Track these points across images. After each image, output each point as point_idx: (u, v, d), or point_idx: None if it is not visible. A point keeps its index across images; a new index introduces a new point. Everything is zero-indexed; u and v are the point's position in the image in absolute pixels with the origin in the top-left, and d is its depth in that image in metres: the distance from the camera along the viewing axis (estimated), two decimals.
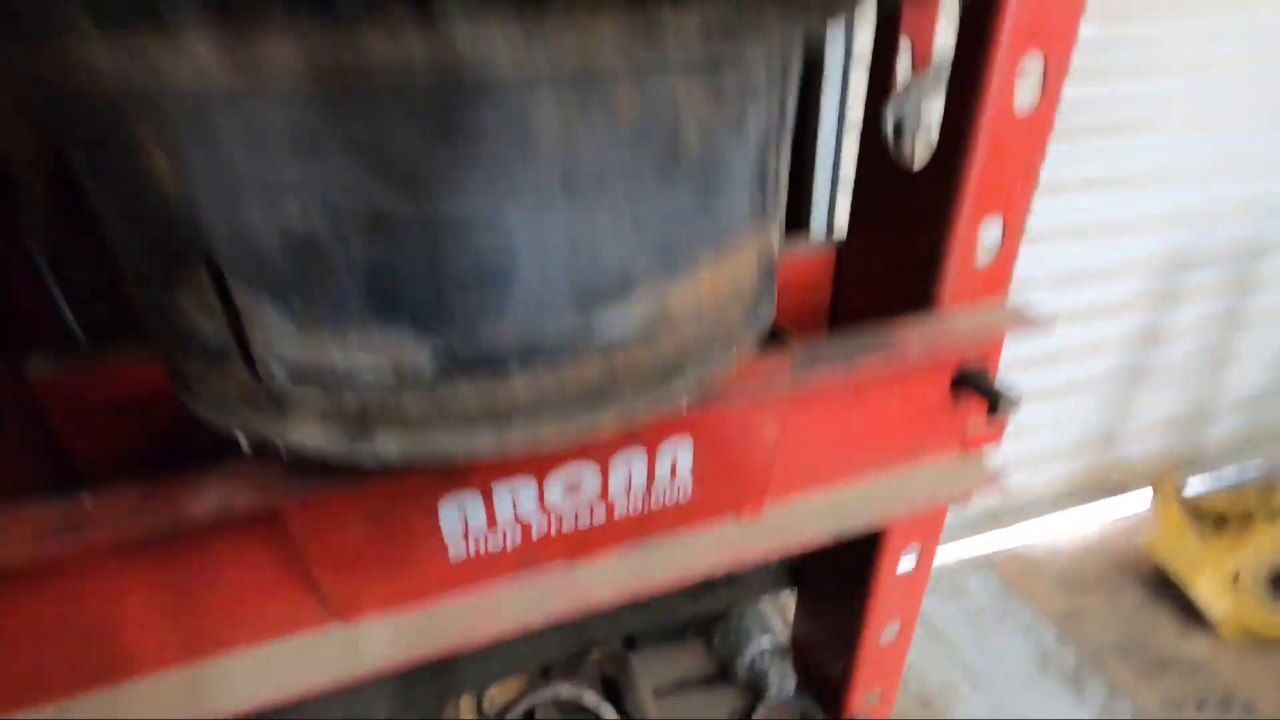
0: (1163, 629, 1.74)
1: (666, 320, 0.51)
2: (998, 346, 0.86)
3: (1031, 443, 1.97)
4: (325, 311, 0.44)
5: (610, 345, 0.49)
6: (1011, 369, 1.75)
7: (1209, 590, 1.71)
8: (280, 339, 0.46)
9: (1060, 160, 1.48)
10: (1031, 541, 2.01)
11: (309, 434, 0.50)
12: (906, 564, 1.07)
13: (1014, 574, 1.90)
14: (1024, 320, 0.86)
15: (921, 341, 0.82)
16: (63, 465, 0.80)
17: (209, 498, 0.58)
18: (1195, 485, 2.14)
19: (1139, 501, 2.06)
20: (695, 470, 0.76)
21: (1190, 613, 1.73)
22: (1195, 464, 2.18)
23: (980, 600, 1.84)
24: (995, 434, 0.96)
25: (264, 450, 0.52)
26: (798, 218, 1.30)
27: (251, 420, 0.52)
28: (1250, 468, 2.19)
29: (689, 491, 0.77)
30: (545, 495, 0.69)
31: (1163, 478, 1.84)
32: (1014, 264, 0.83)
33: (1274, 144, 1.64)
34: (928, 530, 1.03)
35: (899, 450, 0.92)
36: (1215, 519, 1.85)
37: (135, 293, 0.53)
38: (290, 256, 0.42)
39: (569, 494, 0.70)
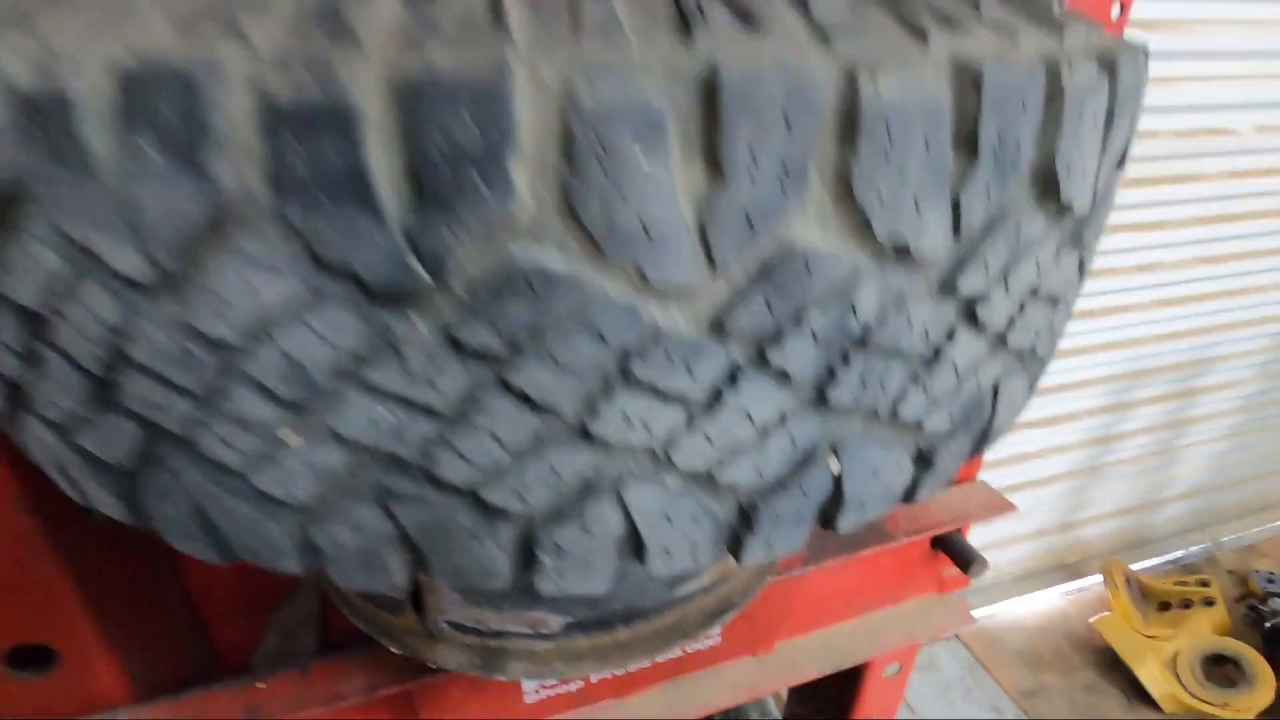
0: (1112, 706, 1.95)
1: (725, 577, 0.69)
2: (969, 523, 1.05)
3: (997, 528, 2.19)
4: (486, 595, 0.61)
5: (684, 600, 0.68)
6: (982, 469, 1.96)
7: (1152, 671, 1.92)
8: (450, 607, 0.63)
9: None
10: (997, 617, 2.22)
11: (454, 660, 0.67)
12: (890, 671, 1.26)
13: (981, 648, 2.11)
14: (993, 505, 1.06)
15: (908, 524, 1.01)
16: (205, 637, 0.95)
17: (357, 681, 0.76)
18: (1145, 564, 2.37)
19: (1093, 581, 2.28)
20: (725, 627, 0.94)
21: (1137, 690, 1.94)
22: (1145, 546, 2.41)
23: (951, 673, 2.04)
24: (965, 580, 1.16)
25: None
26: None
27: (405, 642, 0.69)
28: (1194, 550, 2.44)
29: (718, 640, 0.95)
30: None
31: (1111, 566, 2.06)
32: None
33: (1211, 281, 1.91)
34: (906, 652, 1.22)
35: (886, 595, 1.11)
36: (1159, 603, 2.07)
37: None
38: None
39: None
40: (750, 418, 0.31)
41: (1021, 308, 0.37)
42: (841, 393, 0.32)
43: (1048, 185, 0.33)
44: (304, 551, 0.33)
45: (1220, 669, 1.93)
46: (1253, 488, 2.54)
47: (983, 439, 0.43)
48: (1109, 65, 0.35)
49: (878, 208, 0.28)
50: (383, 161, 0.24)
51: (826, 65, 0.26)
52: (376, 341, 0.27)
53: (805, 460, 0.34)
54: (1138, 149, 1.55)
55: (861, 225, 0.28)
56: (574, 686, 0.89)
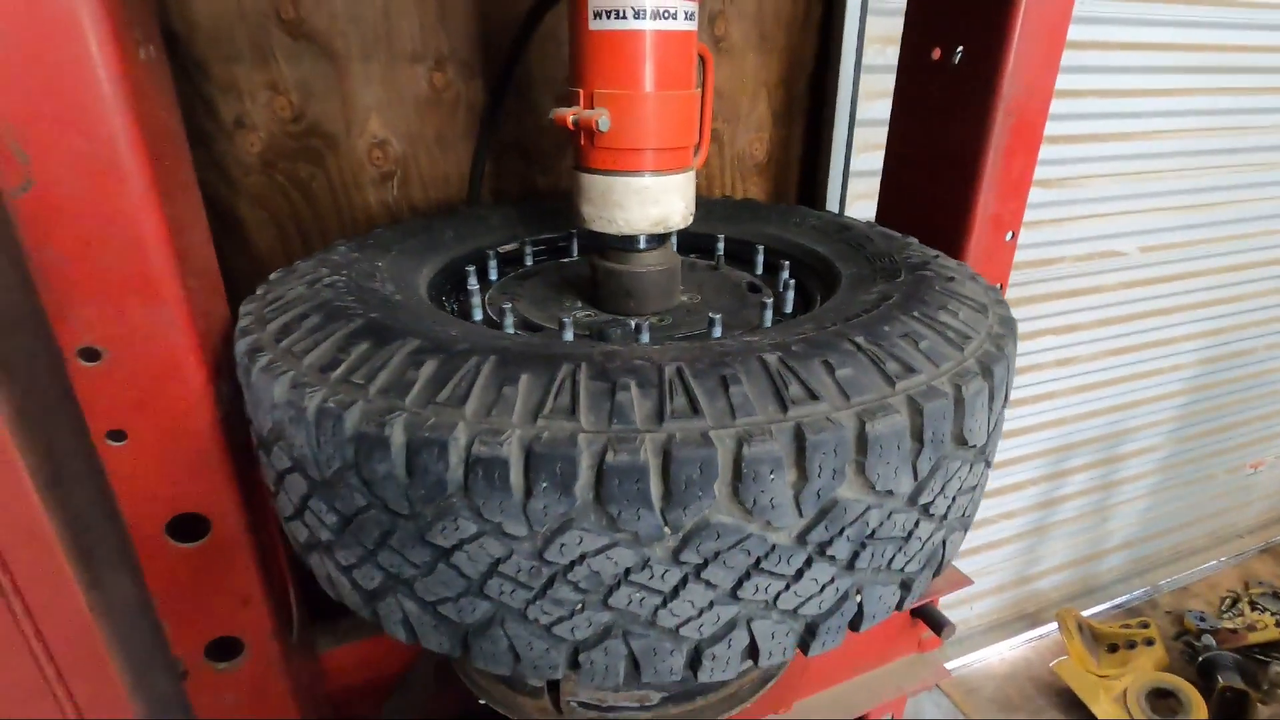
0: None
1: None
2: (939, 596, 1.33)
3: (965, 588, 2.47)
4: (609, 682, 0.85)
5: (740, 675, 0.93)
6: None
7: (1106, 708, 2.19)
8: (578, 690, 0.87)
9: None
10: (972, 666, 2.48)
11: None
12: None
13: (959, 696, 2.36)
14: (955, 580, 1.34)
15: None
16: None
17: None
18: (1094, 610, 2.68)
19: (1051, 629, 2.57)
20: None
21: None
22: (1093, 594, 2.72)
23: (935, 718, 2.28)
24: (938, 641, 1.43)
25: None
26: (812, 194, 1.59)
27: (535, 718, 0.92)
28: (1136, 594, 2.76)
29: (750, 703, 1.19)
30: None
31: (1064, 614, 2.35)
32: None
33: (1119, 369, 2.29)
34: (896, 705, 1.48)
35: (877, 657, 1.37)
36: (1108, 645, 2.36)
37: None
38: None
39: None
40: (816, 580, 0.58)
41: (954, 500, 0.65)
42: (862, 561, 0.59)
43: (961, 441, 0.62)
44: (570, 665, 0.59)
45: (1163, 701, 2.21)
46: (1179, 536, 2.89)
47: (940, 569, 0.70)
48: (988, 371, 0.64)
49: (877, 476, 0.56)
50: (656, 488, 0.51)
51: (848, 416, 0.55)
52: (639, 562, 0.53)
53: (843, 598, 0.61)
54: (1049, 271, 1.91)
55: (869, 485, 0.56)
56: None
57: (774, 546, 0.55)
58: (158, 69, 0.69)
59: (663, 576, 0.54)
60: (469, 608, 0.58)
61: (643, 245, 0.86)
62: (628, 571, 0.54)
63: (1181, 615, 2.61)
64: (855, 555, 0.59)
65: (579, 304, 0.91)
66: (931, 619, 1.33)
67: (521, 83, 1.29)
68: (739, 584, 0.56)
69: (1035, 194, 1.78)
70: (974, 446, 0.64)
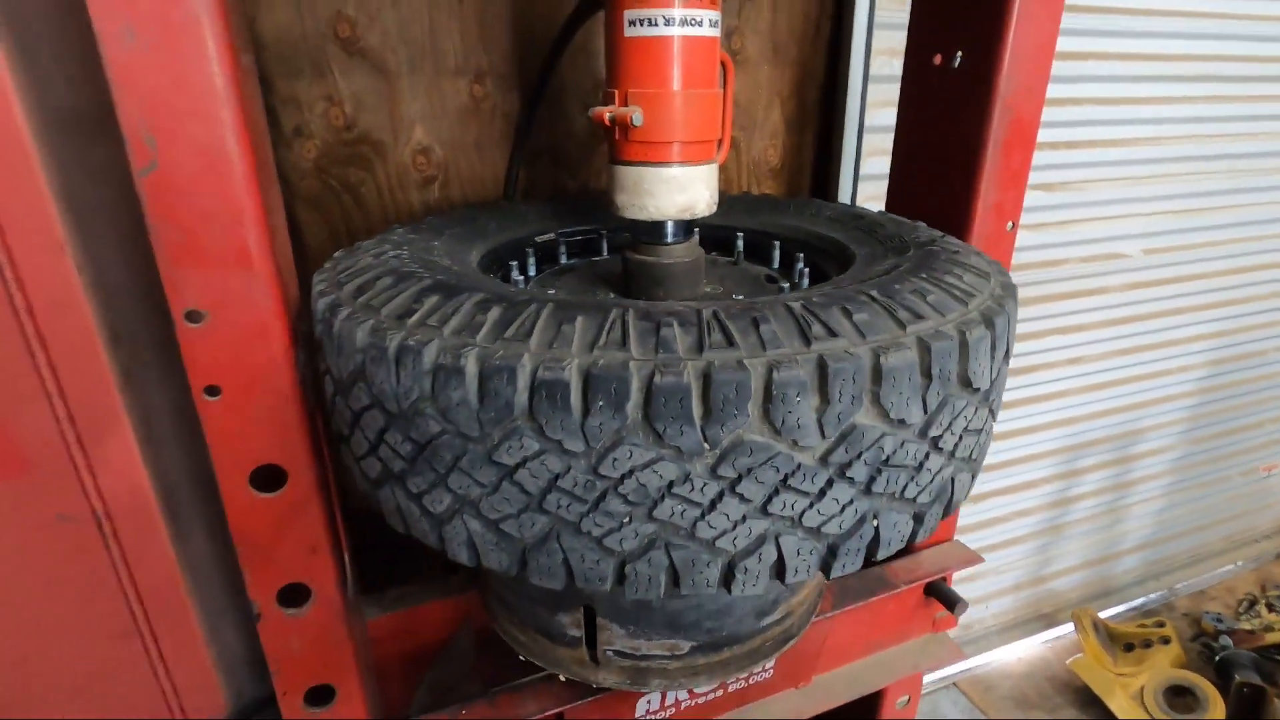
0: None
1: (790, 612, 1.01)
2: (951, 572, 1.38)
3: (980, 585, 2.50)
4: (643, 630, 0.92)
5: (764, 630, 0.99)
6: (959, 534, 2.29)
7: (1123, 704, 2.20)
8: (615, 640, 0.93)
9: None
10: (989, 665, 2.50)
11: (612, 680, 0.97)
12: (901, 703, 1.56)
13: (977, 694, 2.38)
14: (966, 558, 1.40)
15: (905, 575, 1.34)
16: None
17: (529, 704, 1.04)
18: (1111, 612, 2.69)
19: (1067, 629, 2.58)
20: (776, 662, 1.23)
21: None
22: (1110, 595, 2.74)
23: (951, 717, 2.30)
24: (953, 621, 1.47)
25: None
26: (824, 196, 1.66)
27: (573, 670, 0.99)
28: (1153, 596, 2.77)
29: (771, 674, 1.25)
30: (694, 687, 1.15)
31: (1080, 614, 2.37)
32: None
33: (1128, 369, 2.34)
34: (913, 685, 1.52)
35: (892, 635, 1.42)
36: (1124, 644, 2.38)
37: (514, 605, 1.00)
38: (635, 610, 0.90)
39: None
40: (837, 501, 0.65)
41: (960, 438, 0.72)
42: (879, 486, 0.67)
43: (966, 382, 0.69)
44: (617, 578, 0.66)
45: (1180, 699, 2.22)
46: (1196, 539, 2.91)
47: (949, 507, 0.77)
48: (990, 322, 0.72)
49: (890, 405, 0.64)
50: (697, 406, 0.59)
51: (865, 350, 0.63)
52: (681, 475, 0.61)
53: (861, 521, 0.68)
54: (1052, 273, 1.98)
55: (884, 414, 0.64)
56: (668, 714, 1.17)
57: (799, 465, 0.62)
58: (251, 75, 0.79)
59: (702, 490, 0.62)
60: (529, 523, 0.65)
61: (670, 238, 0.95)
62: (671, 485, 0.61)
63: (1198, 617, 2.62)
64: (872, 479, 0.66)
65: (612, 295, 1.00)
66: (944, 596, 1.38)
67: (553, 93, 1.39)
68: (769, 499, 0.63)
69: (1040, 197, 1.87)
70: (978, 390, 0.71)
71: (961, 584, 2.44)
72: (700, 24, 0.84)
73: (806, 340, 0.63)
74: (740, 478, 0.62)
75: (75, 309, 0.76)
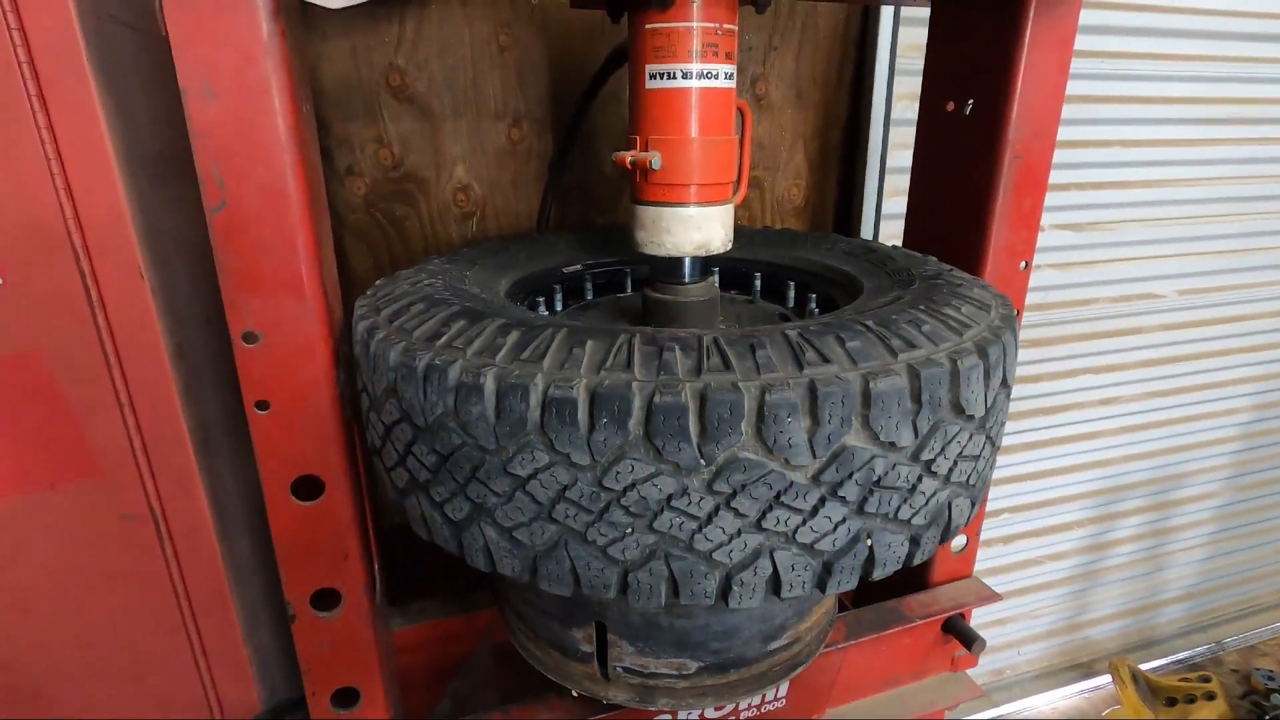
0: None
1: (798, 638, 1.03)
2: (970, 609, 1.37)
3: (1011, 630, 2.44)
4: (652, 648, 0.95)
5: (771, 654, 1.01)
6: (988, 576, 2.25)
7: None
8: (624, 656, 0.97)
9: (1009, 430, 2.09)
10: (1020, 714, 2.41)
11: (621, 697, 1.00)
12: None
13: None
14: (984, 595, 1.39)
15: (921, 610, 1.34)
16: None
17: (543, 716, 1.08)
18: (1154, 664, 2.58)
19: (1105, 680, 2.49)
20: (788, 691, 1.24)
21: None
22: (1152, 647, 2.63)
23: None
24: (973, 660, 1.46)
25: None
26: (847, 226, 1.71)
27: (584, 685, 1.02)
28: (1199, 650, 2.65)
29: (783, 703, 1.25)
30: (705, 712, 1.17)
31: (1118, 664, 2.29)
32: None
33: (1167, 410, 2.30)
34: None
35: (909, 672, 1.41)
36: (1166, 698, 2.28)
37: (530, 620, 1.04)
38: (644, 628, 0.94)
39: (718, 709, 1.18)
40: (830, 519, 0.69)
41: (955, 463, 0.75)
42: (871, 506, 0.70)
43: (958, 408, 0.73)
44: (620, 586, 0.71)
45: None
46: (1245, 590, 2.78)
47: (948, 531, 0.80)
48: (983, 351, 0.75)
49: (880, 429, 0.67)
50: (694, 425, 0.64)
51: (855, 375, 0.67)
52: (679, 489, 0.66)
53: (855, 539, 0.71)
54: (1081, 313, 1.98)
55: (874, 436, 0.68)
56: None
57: (792, 483, 0.66)
58: (310, 120, 0.89)
59: (699, 503, 0.66)
60: (539, 531, 0.70)
61: (688, 277, 1.01)
62: (670, 498, 0.66)
63: (1248, 674, 2.49)
64: (864, 499, 0.70)
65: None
66: (962, 633, 1.38)
67: (584, 136, 1.48)
68: (763, 515, 0.67)
69: (1064, 237, 1.88)
70: (972, 417, 0.75)
71: (991, 628, 2.39)
72: (716, 77, 0.91)
73: (800, 365, 0.67)
74: (735, 493, 0.66)
75: (148, 329, 0.86)
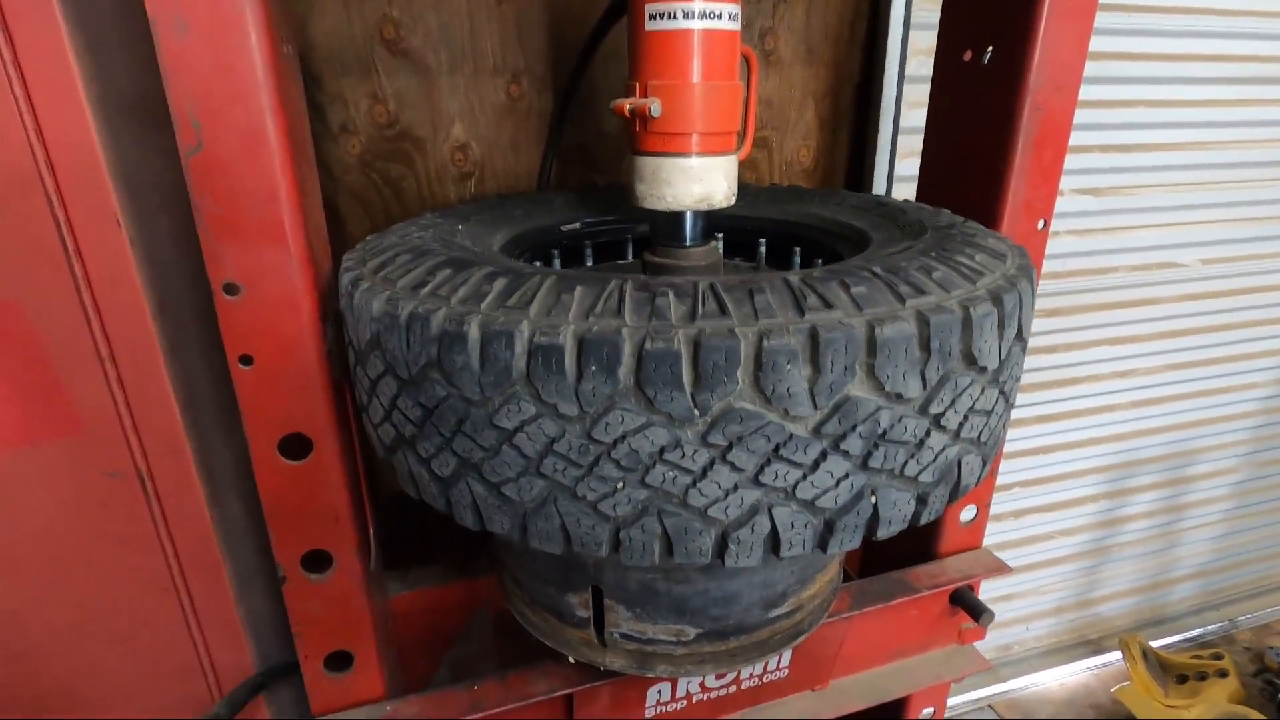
0: None
1: (800, 606, 1.00)
2: (978, 580, 1.34)
3: (1020, 605, 2.41)
4: (649, 613, 0.93)
5: (773, 621, 0.98)
6: (998, 550, 2.22)
7: None
8: (621, 622, 0.94)
9: (1020, 403, 2.04)
10: (1027, 689, 2.39)
11: (618, 664, 0.97)
12: (926, 714, 1.51)
13: (1014, 718, 2.28)
14: (994, 566, 1.36)
15: (929, 580, 1.31)
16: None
17: (540, 685, 1.06)
18: (1165, 641, 2.55)
19: (1114, 657, 2.46)
20: (791, 661, 1.22)
21: None
22: (1164, 624, 2.60)
23: None
24: (981, 633, 1.43)
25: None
26: (857, 188, 1.65)
27: (581, 651, 1.00)
28: (1211, 628, 2.61)
29: (786, 673, 1.23)
30: (705, 680, 1.15)
31: (1128, 640, 2.26)
32: None
33: (1184, 384, 2.24)
34: (938, 696, 1.48)
35: (915, 644, 1.39)
36: (1177, 675, 2.25)
37: (526, 585, 1.02)
38: (641, 592, 0.91)
39: (719, 678, 1.16)
40: (831, 474, 0.66)
41: (965, 418, 0.71)
42: (875, 461, 0.67)
43: (970, 359, 0.69)
44: (612, 544, 0.68)
45: None
46: (1260, 568, 2.74)
47: (956, 490, 0.76)
48: (997, 299, 0.71)
49: (886, 379, 0.64)
50: (687, 373, 0.60)
51: (860, 321, 0.63)
52: (671, 441, 0.62)
53: (858, 496, 0.68)
54: (1099, 281, 1.92)
55: (879, 386, 0.64)
56: (679, 707, 1.17)
57: (791, 435, 0.63)
58: (292, 64, 0.85)
59: (693, 456, 0.63)
60: (528, 486, 0.67)
61: (689, 240, 0.97)
62: (662, 450, 0.63)
63: (1261, 652, 2.46)
64: (868, 454, 0.66)
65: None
66: (970, 605, 1.35)
67: (586, 93, 1.44)
68: (761, 469, 0.64)
69: (1084, 202, 1.82)
70: (984, 369, 0.71)
71: (1000, 602, 2.36)
72: (719, 17, 0.86)
73: (801, 311, 0.64)
74: (731, 446, 0.63)
75: (127, 281, 0.83)
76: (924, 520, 0.74)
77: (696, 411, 0.61)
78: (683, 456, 0.63)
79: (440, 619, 1.30)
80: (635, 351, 0.61)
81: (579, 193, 1.30)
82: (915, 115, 1.59)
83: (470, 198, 1.45)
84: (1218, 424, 2.35)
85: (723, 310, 0.63)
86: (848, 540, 0.70)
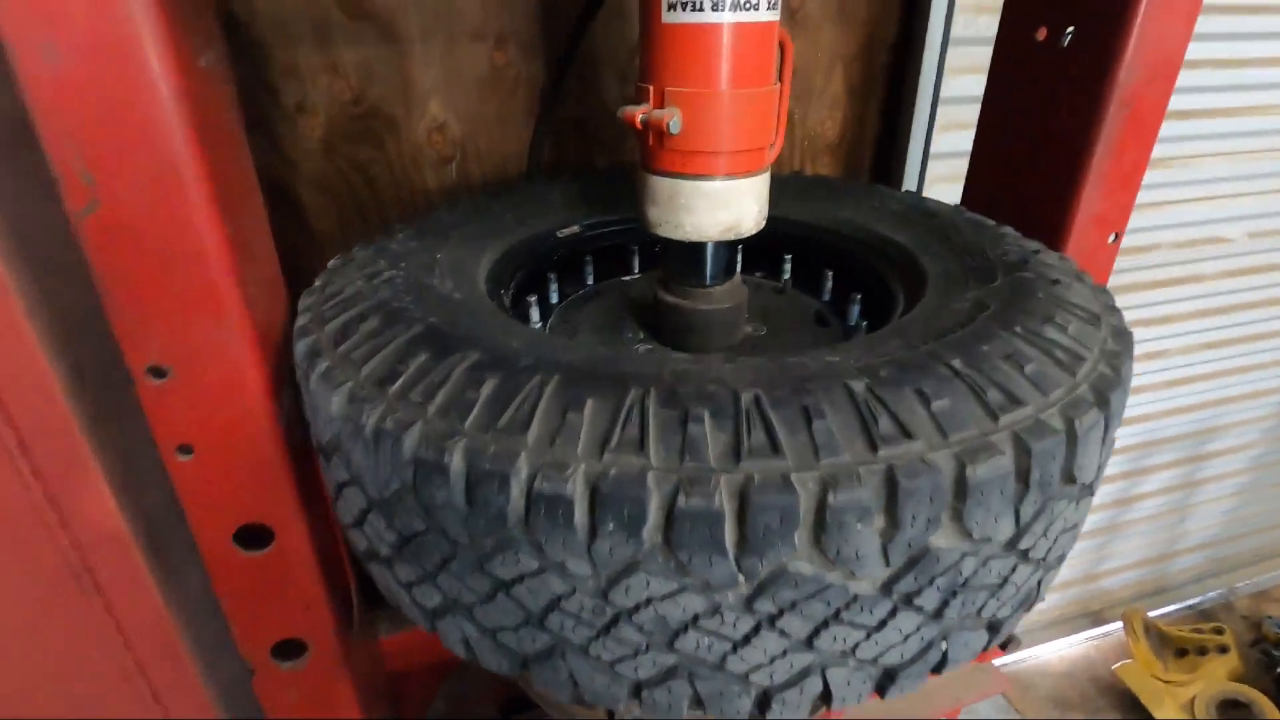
0: None
1: None
2: None
3: None
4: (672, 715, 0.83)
5: None
6: None
7: (1170, 715, 2.09)
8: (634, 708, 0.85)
9: None
10: (1028, 662, 2.40)
11: None
12: None
13: (1013, 693, 2.29)
14: None
15: None
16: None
17: None
18: (1163, 610, 2.55)
19: (1115, 628, 2.46)
20: None
21: None
22: (1163, 594, 2.59)
23: (985, 716, 2.23)
24: (999, 651, 1.37)
25: None
26: (886, 176, 1.50)
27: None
28: (1210, 595, 2.61)
29: None
30: None
31: (1131, 615, 2.24)
32: None
33: (1213, 363, 2.12)
34: (953, 712, 1.43)
35: None
36: (1177, 650, 2.25)
37: None
38: None
39: None
40: (900, 630, 0.54)
41: (1055, 541, 0.59)
42: (952, 610, 0.55)
43: (1071, 479, 0.56)
44: (631, 700, 0.57)
45: (1235, 713, 2.10)
46: (1264, 538, 2.72)
47: (1029, 608, 0.65)
48: (1103, 400, 0.58)
49: (975, 524, 0.51)
50: (730, 535, 0.47)
51: (946, 457, 0.50)
52: (709, 609, 0.50)
53: (927, 648, 0.57)
54: (1141, 260, 1.77)
55: (966, 533, 0.51)
56: None
57: (856, 597, 0.51)
58: (217, 72, 0.67)
59: (734, 624, 0.51)
60: (529, 638, 0.56)
61: (709, 279, 0.82)
62: (696, 618, 0.51)
63: (1259, 621, 2.46)
64: (944, 604, 0.54)
65: (640, 335, 0.89)
66: None
67: (584, 61, 1.23)
68: (815, 633, 0.52)
69: None
70: (1083, 484, 0.58)
71: None
72: (755, 7, 0.68)
73: (872, 443, 0.50)
74: (781, 612, 0.50)
75: (24, 349, 0.67)
76: (990, 648, 0.63)
77: (741, 577, 0.49)
78: (721, 624, 0.51)
79: (435, 653, 1.21)
80: (664, 506, 0.47)
81: (578, 182, 1.13)
82: (958, 82, 1.40)
83: (452, 185, 1.27)
84: (1243, 401, 2.26)
85: (774, 445, 0.49)
86: (909, 686, 0.59)
